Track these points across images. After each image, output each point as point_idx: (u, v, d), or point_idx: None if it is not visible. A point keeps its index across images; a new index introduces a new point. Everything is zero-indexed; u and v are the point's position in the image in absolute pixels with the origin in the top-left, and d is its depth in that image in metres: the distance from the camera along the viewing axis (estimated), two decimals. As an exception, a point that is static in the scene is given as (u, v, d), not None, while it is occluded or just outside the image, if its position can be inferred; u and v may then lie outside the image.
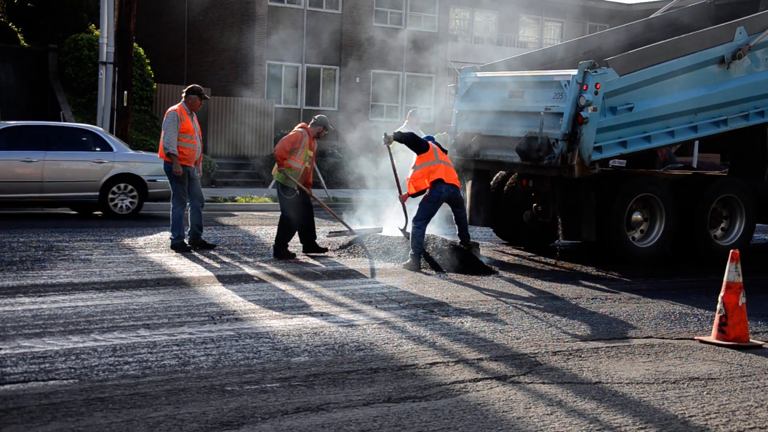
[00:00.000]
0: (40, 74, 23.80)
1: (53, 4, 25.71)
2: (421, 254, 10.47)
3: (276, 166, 10.80)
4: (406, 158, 13.33)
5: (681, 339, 7.49)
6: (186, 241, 11.08)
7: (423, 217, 10.44)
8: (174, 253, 10.71)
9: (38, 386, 5.22)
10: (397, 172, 11.86)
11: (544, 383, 5.86)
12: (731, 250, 7.44)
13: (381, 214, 13.26)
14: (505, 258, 11.89)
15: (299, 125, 11.11)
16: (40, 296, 7.80)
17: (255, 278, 9.34)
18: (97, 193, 14.26)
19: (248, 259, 10.59)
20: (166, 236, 11.93)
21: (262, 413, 4.95)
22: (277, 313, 7.60)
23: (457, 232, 10.77)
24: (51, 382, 5.30)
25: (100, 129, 15.54)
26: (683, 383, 6.03)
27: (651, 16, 15.05)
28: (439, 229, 12.44)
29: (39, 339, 6.29)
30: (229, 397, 5.21)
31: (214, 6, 29.26)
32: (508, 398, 5.48)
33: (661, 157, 15.28)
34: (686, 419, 5.24)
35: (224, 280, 9.12)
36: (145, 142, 21.13)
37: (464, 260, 10.62)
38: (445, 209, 11.00)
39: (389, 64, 29.57)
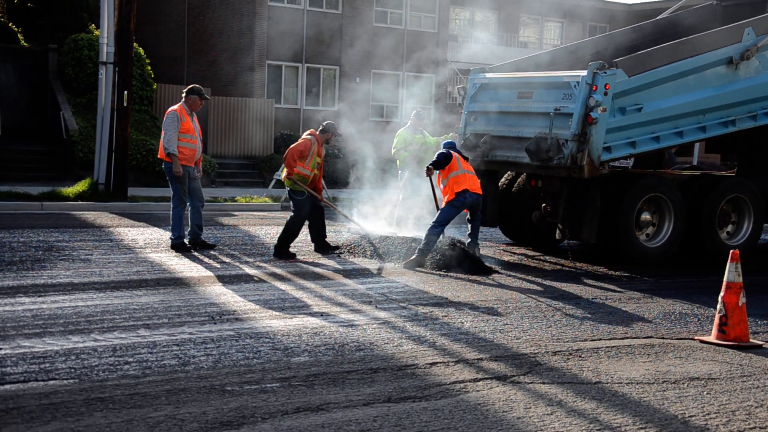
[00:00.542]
0: (40, 74, 23.80)
1: (53, 4, 25.72)
2: (427, 255, 10.50)
3: (285, 173, 10.91)
4: (407, 156, 13.36)
5: (681, 339, 7.49)
6: (186, 241, 11.07)
7: (443, 221, 10.60)
8: (174, 253, 10.71)
9: (38, 386, 5.22)
10: (405, 169, 11.91)
11: (544, 383, 5.86)
12: (731, 251, 7.45)
13: (381, 214, 13.24)
14: (509, 258, 11.89)
15: (308, 132, 11.20)
16: (40, 296, 7.80)
17: (255, 278, 9.34)
18: None
19: (248, 259, 10.59)
20: (166, 236, 11.93)
21: (262, 413, 4.95)
22: (277, 313, 7.60)
23: (468, 232, 10.84)
24: (51, 382, 5.30)
25: None
26: (683, 383, 6.03)
27: (658, 17, 15.11)
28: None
29: (39, 339, 6.29)
30: (229, 397, 5.21)
31: (214, 6, 29.27)
32: (508, 398, 5.48)
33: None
34: (686, 419, 5.25)
35: (224, 280, 9.12)
36: (145, 142, 21.14)
37: (465, 260, 10.62)
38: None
39: (389, 64, 29.56)
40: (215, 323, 7.11)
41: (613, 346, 7.04)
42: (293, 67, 28.22)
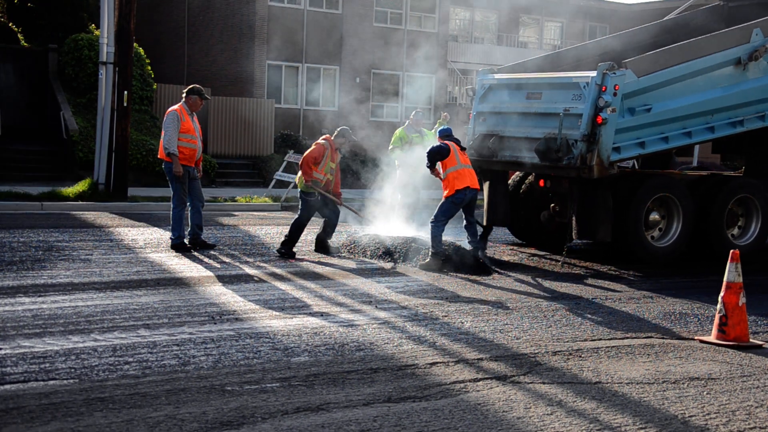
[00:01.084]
0: (40, 74, 23.80)
1: (53, 4, 25.71)
2: (441, 254, 10.48)
3: (299, 175, 11.04)
4: (402, 154, 13.36)
5: (681, 339, 7.49)
6: (186, 241, 11.07)
7: (443, 218, 10.56)
8: (174, 253, 10.71)
9: (38, 386, 5.22)
10: (401, 168, 11.91)
11: (544, 383, 5.86)
12: (732, 251, 7.46)
13: (381, 214, 13.23)
14: (509, 258, 11.89)
15: (323, 137, 11.26)
16: (40, 296, 7.80)
17: (255, 278, 9.34)
18: None
19: (248, 259, 10.59)
20: (166, 236, 11.93)
21: (262, 413, 4.95)
22: (277, 313, 7.60)
23: (468, 240, 10.80)
24: (51, 382, 5.30)
25: None
26: (683, 383, 6.03)
27: (665, 18, 15.16)
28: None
29: (39, 339, 6.29)
30: (229, 397, 5.21)
31: (214, 6, 29.27)
32: (508, 398, 5.48)
33: None
34: (686, 419, 5.25)
35: (224, 280, 9.12)
36: (145, 142, 21.14)
37: (465, 260, 10.63)
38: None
39: (389, 64, 29.57)
40: (215, 323, 7.11)
41: (613, 346, 7.04)
42: (293, 67, 28.22)
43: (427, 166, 10.80)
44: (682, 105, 11.46)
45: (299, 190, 11.22)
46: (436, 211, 10.61)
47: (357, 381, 5.67)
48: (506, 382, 5.83)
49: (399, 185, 13.48)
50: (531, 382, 5.86)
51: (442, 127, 11.43)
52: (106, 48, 17.00)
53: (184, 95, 11.19)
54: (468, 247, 10.82)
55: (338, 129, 11.39)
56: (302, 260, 10.73)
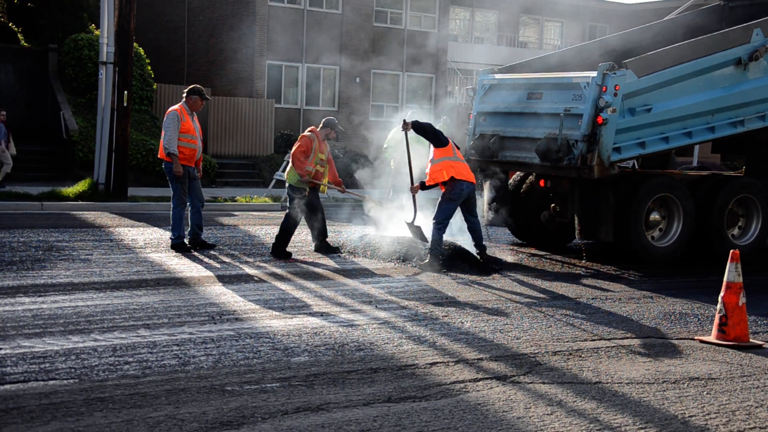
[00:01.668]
0: (40, 74, 23.81)
1: (53, 4, 25.72)
2: (438, 254, 10.45)
3: (289, 167, 11.02)
4: (397, 154, 13.34)
5: (681, 339, 7.49)
6: (186, 241, 11.07)
7: (444, 218, 10.46)
8: (174, 253, 10.71)
9: (38, 386, 5.22)
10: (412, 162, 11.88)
11: (544, 383, 5.86)
12: (732, 251, 7.46)
13: (381, 213, 13.24)
14: (509, 258, 11.89)
15: (308, 129, 11.22)
16: (40, 296, 7.80)
17: (255, 278, 9.34)
18: None
19: (248, 259, 10.59)
20: (166, 236, 11.93)
21: (262, 413, 4.95)
22: (277, 313, 7.60)
23: (474, 244, 10.72)
24: (51, 382, 5.30)
25: None
26: (683, 383, 6.03)
27: (665, 18, 15.17)
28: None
29: (39, 339, 6.29)
30: (229, 397, 5.21)
31: (214, 5, 29.26)
32: (508, 398, 5.48)
33: None
34: (686, 419, 5.24)
35: (224, 280, 9.12)
36: (145, 142, 21.14)
37: (465, 260, 10.63)
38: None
39: (389, 64, 29.57)
40: (215, 323, 7.11)
41: (613, 346, 7.04)
42: (293, 67, 28.23)
43: (418, 124, 10.51)
44: (682, 105, 11.47)
45: (287, 185, 11.17)
46: (436, 213, 10.49)
47: (357, 381, 5.67)
48: (506, 382, 5.83)
49: (394, 184, 13.46)
50: (531, 382, 5.86)
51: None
52: (106, 48, 17.01)
53: (184, 95, 11.19)
54: (473, 250, 10.78)
55: (323, 120, 11.39)
56: (302, 260, 10.73)
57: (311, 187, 11.00)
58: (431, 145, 10.62)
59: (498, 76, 12.84)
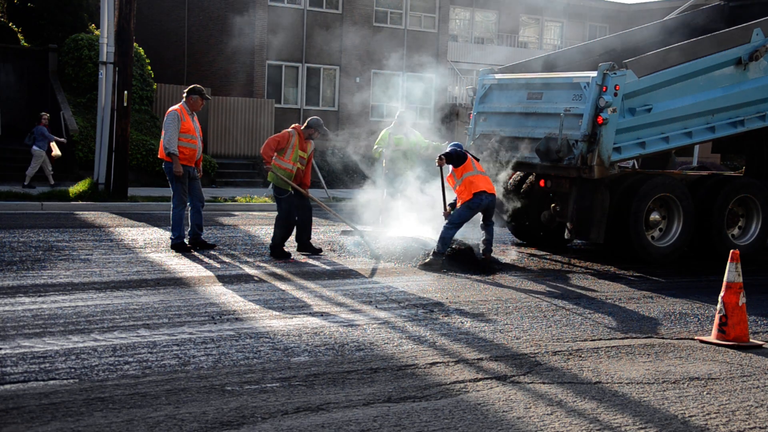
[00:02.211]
0: (40, 74, 23.82)
1: (53, 4, 25.72)
2: (443, 256, 10.44)
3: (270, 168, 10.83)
4: (388, 157, 13.28)
5: (681, 339, 7.49)
6: (186, 241, 11.07)
7: (457, 222, 10.52)
8: (174, 253, 10.71)
9: (38, 386, 5.22)
10: (389, 167, 11.83)
11: (544, 383, 5.86)
12: (732, 251, 7.46)
13: (380, 214, 13.24)
14: (509, 258, 11.89)
15: (292, 125, 11.20)
16: (40, 296, 7.80)
17: (255, 278, 9.34)
18: None
19: (248, 259, 10.59)
20: (166, 236, 11.93)
21: (262, 413, 4.95)
22: (277, 313, 7.60)
23: (483, 239, 10.71)
24: (51, 382, 5.30)
25: None
26: (683, 383, 6.03)
27: (665, 18, 15.16)
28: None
29: (39, 339, 6.29)
30: (229, 397, 5.21)
31: (214, 6, 29.26)
32: (508, 398, 5.48)
33: None
34: (686, 419, 5.25)
35: (224, 280, 9.12)
36: (145, 142, 21.14)
37: (466, 260, 10.63)
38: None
39: (389, 64, 29.56)
40: (215, 323, 7.11)
41: (613, 346, 7.04)
42: (293, 67, 28.23)
43: (444, 155, 10.56)
44: (682, 105, 11.47)
45: (271, 186, 11.06)
46: (451, 215, 10.58)
47: (357, 381, 5.67)
48: (506, 382, 5.83)
49: (386, 187, 13.40)
50: (531, 382, 5.86)
51: (453, 143, 11.30)
52: (106, 48, 17.01)
53: (184, 95, 11.19)
54: (478, 247, 10.79)
55: (309, 119, 11.32)
56: (302, 260, 10.73)
57: (294, 184, 10.84)
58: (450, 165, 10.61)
59: (498, 76, 12.85)
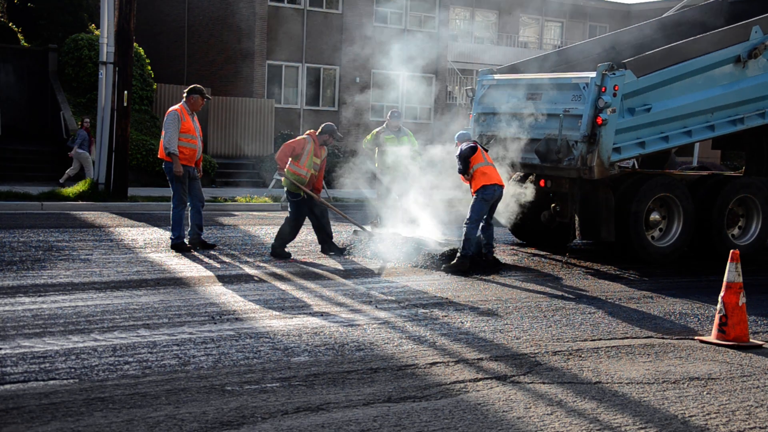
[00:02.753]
0: (40, 74, 23.82)
1: (53, 4, 25.74)
2: (470, 257, 10.42)
3: (285, 172, 10.88)
4: (380, 157, 13.26)
5: (681, 339, 7.49)
6: (186, 241, 11.07)
7: (477, 217, 10.54)
8: (174, 253, 10.71)
9: (38, 386, 5.22)
10: (380, 167, 11.81)
11: (544, 383, 5.86)
12: (731, 251, 7.46)
13: (379, 214, 13.24)
14: (509, 258, 11.89)
15: (306, 132, 11.21)
16: (40, 296, 7.80)
17: (255, 278, 9.34)
18: None
19: (248, 259, 10.59)
20: (166, 236, 11.93)
21: (262, 413, 4.95)
22: (277, 313, 7.60)
23: (483, 243, 10.72)
24: (51, 382, 5.30)
25: None
26: (683, 383, 6.03)
27: (663, 15, 15.12)
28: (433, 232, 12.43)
29: (39, 339, 6.29)
30: (229, 396, 5.21)
31: (214, 5, 29.26)
32: (508, 398, 5.48)
33: None
34: (686, 419, 5.25)
35: (224, 280, 9.12)
36: (145, 142, 21.14)
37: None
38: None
39: (389, 64, 29.54)
40: (215, 323, 7.11)
41: (613, 346, 7.04)
42: (293, 67, 28.22)
43: (460, 171, 10.72)
44: (682, 104, 11.46)
45: (285, 190, 11.14)
46: (469, 213, 10.55)
47: (357, 381, 5.67)
48: (506, 382, 5.83)
49: (379, 187, 13.38)
50: (531, 382, 5.86)
51: (461, 132, 11.30)
52: (106, 48, 17.01)
53: (185, 95, 11.19)
54: (487, 255, 10.79)
55: (323, 125, 11.34)
56: (302, 260, 10.73)
57: (307, 189, 10.91)
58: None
59: (497, 76, 12.84)
